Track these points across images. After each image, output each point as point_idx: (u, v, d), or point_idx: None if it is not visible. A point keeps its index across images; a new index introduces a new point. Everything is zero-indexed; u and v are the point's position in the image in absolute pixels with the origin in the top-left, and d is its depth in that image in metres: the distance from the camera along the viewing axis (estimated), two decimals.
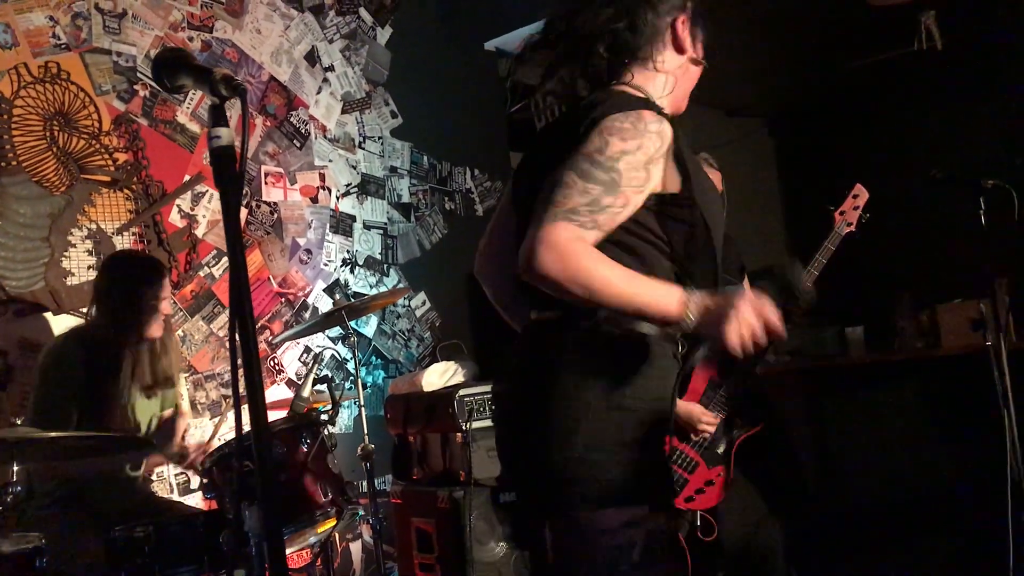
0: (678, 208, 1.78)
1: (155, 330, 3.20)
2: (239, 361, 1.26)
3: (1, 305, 3.46)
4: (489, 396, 3.69)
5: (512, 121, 5.70)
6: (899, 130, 5.75)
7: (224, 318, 4.10)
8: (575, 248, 1.60)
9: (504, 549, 3.60)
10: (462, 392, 3.63)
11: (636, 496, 1.72)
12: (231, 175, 1.30)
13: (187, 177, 4.03)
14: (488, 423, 3.66)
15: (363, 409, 3.33)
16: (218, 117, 1.36)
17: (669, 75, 1.94)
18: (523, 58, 2.08)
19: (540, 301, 1.84)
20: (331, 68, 4.61)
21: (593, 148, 1.69)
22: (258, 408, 1.25)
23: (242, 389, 1.27)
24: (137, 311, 3.12)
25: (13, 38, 3.58)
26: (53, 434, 2.54)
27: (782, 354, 3.23)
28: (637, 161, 1.68)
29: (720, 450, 3.20)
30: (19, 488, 2.52)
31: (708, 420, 3.10)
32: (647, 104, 1.80)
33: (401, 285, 4.76)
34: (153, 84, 3.95)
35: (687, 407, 3.11)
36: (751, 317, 1.58)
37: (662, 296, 1.63)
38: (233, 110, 1.59)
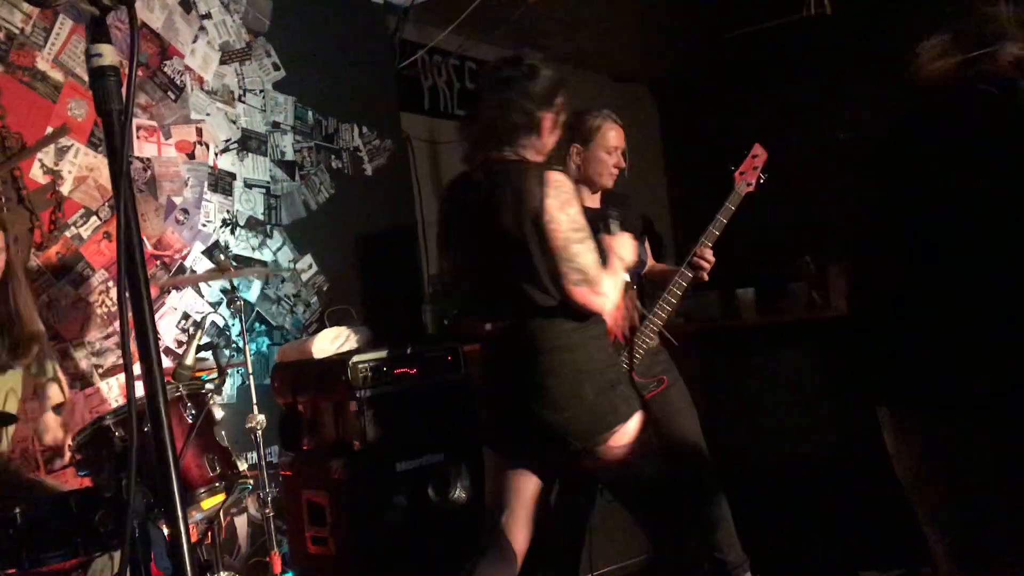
0: None
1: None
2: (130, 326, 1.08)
3: None
4: (381, 363, 3.57)
5: (400, 78, 5.51)
6: (788, 95, 5.86)
7: (94, 282, 3.80)
8: None
9: (400, 519, 3.49)
10: (356, 359, 3.48)
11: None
12: (115, 101, 1.11)
13: (50, 129, 3.70)
14: (385, 390, 3.53)
15: (252, 378, 3.14)
16: (99, 32, 1.15)
17: None
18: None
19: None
20: (208, 16, 4.31)
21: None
22: (155, 380, 1.09)
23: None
24: None
25: None
26: None
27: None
28: None
29: None
30: None
31: None
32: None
33: (286, 247, 4.53)
34: (9, 26, 3.60)
35: None
36: None
37: None
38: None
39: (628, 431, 2.50)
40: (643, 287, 3.32)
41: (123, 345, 1.04)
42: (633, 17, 5.72)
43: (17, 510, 2.41)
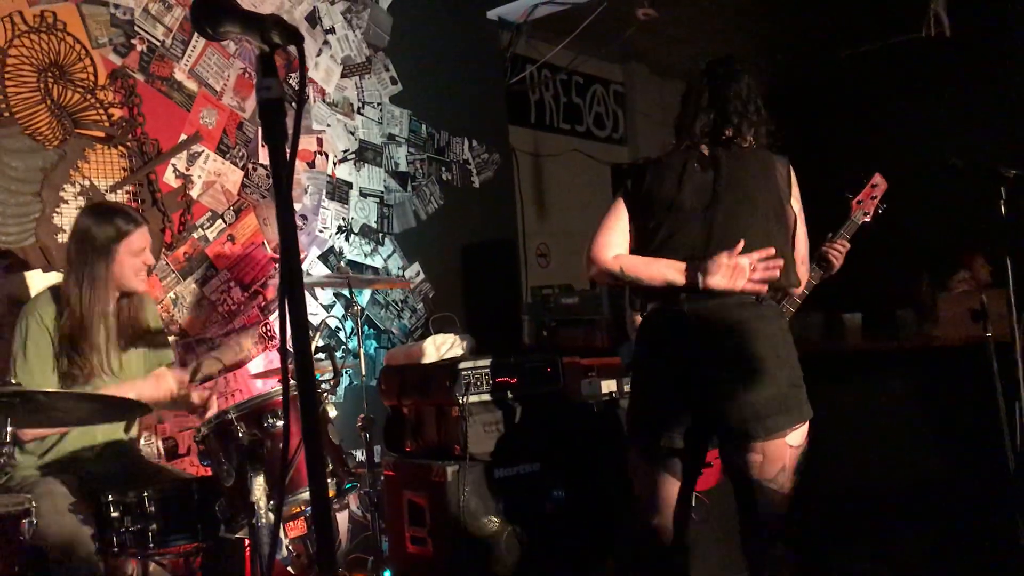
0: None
1: (136, 283, 3.02)
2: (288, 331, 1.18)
3: None
4: (485, 370, 3.65)
5: (511, 93, 5.63)
6: (902, 116, 5.73)
7: (216, 282, 4.01)
8: None
9: (496, 524, 3.57)
10: (461, 365, 3.58)
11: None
12: (283, 130, 1.22)
13: (183, 136, 3.93)
14: (486, 397, 3.61)
15: (364, 379, 3.27)
16: (267, 67, 1.26)
17: None
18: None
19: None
20: (332, 31, 4.51)
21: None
22: (310, 392, 1.18)
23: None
24: (106, 264, 2.93)
25: None
26: (49, 391, 2.46)
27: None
28: None
29: None
30: (9, 448, 2.43)
31: None
32: None
33: (396, 254, 4.68)
34: (151, 39, 3.84)
35: None
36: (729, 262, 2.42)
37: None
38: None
39: (803, 433, 2.48)
40: None
41: (282, 350, 1.14)
42: (743, 33, 5.70)
43: (146, 494, 2.58)
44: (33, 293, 3.39)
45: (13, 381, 2.43)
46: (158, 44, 3.87)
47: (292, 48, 1.26)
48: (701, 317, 2.49)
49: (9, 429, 2.41)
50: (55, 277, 3.43)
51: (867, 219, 3.14)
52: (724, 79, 2.64)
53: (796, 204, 2.66)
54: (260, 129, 4.18)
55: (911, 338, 4.56)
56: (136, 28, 3.80)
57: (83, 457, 2.95)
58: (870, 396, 4.36)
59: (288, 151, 1.21)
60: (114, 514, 2.56)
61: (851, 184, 3.14)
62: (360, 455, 3.62)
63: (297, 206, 4.31)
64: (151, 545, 2.58)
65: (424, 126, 4.91)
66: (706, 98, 2.64)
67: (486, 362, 3.66)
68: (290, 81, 4.32)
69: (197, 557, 2.82)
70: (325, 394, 2.78)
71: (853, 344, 4.77)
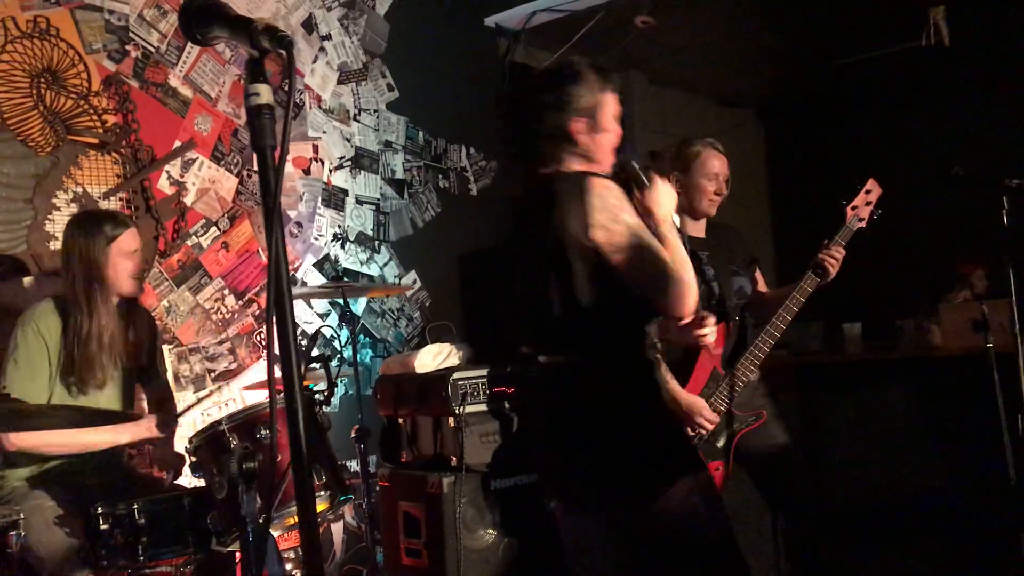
0: None
1: (130, 285, 2.99)
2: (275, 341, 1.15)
3: None
4: (481, 381, 3.62)
5: (509, 100, 5.59)
6: (903, 125, 5.71)
7: (210, 290, 3.97)
8: None
9: (493, 536, 3.53)
10: (456, 375, 3.54)
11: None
12: (271, 137, 1.19)
13: (177, 143, 3.90)
14: (482, 407, 3.58)
15: (359, 389, 3.23)
16: (257, 72, 1.23)
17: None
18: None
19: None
20: (328, 37, 4.48)
21: None
22: (295, 402, 1.15)
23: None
24: (100, 269, 2.92)
25: None
26: (35, 404, 2.43)
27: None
28: None
29: (720, 444, 3.14)
30: None
31: (707, 416, 3.04)
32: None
33: (392, 263, 4.65)
34: (146, 45, 3.81)
35: (688, 399, 3.04)
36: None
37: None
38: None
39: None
40: (745, 319, 3.27)
41: (268, 361, 1.11)
42: (741, 41, 5.67)
43: (136, 506, 2.54)
44: (25, 301, 3.35)
45: (2, 389, 2.39)
46: (153, 50, 3.84)
47: (283, 52, 1.22)
48: None
49: None
50: (49, 284, 3.39)
51: (862, 225, 3.12)
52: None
53: None
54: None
55: (911, 348, 4.54)
56: (130, 34, 3.76)
57: (73, 469, 2.91)
58: (870, 406, 4.33)
59: (276, 157, 1.18)
60: (104, 526, 2.53)
61: (846, 191, 3.12)
62: (355, 465, 3.58)
63: (292, 213, 4.28)
64: (141, 558, 2.54)
65: (421, 133, 4.88)
66: None
67: (483, 372, 3.62)
68: (284, 87, 4.29)
69: (188, 569, 2.78)
70: (320, 404, 2.74)
71: (853, 354, 4.74)
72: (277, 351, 1.18)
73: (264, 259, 4.15)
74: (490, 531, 3.53)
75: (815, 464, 3.35)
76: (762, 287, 3.42)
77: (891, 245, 3.93)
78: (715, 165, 3.21)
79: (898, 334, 4.73)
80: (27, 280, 3.42)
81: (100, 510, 2.53)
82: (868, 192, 3.15)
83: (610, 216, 2.12)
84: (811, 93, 6.40)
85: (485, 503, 3.53)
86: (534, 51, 5.70)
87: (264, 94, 1.23)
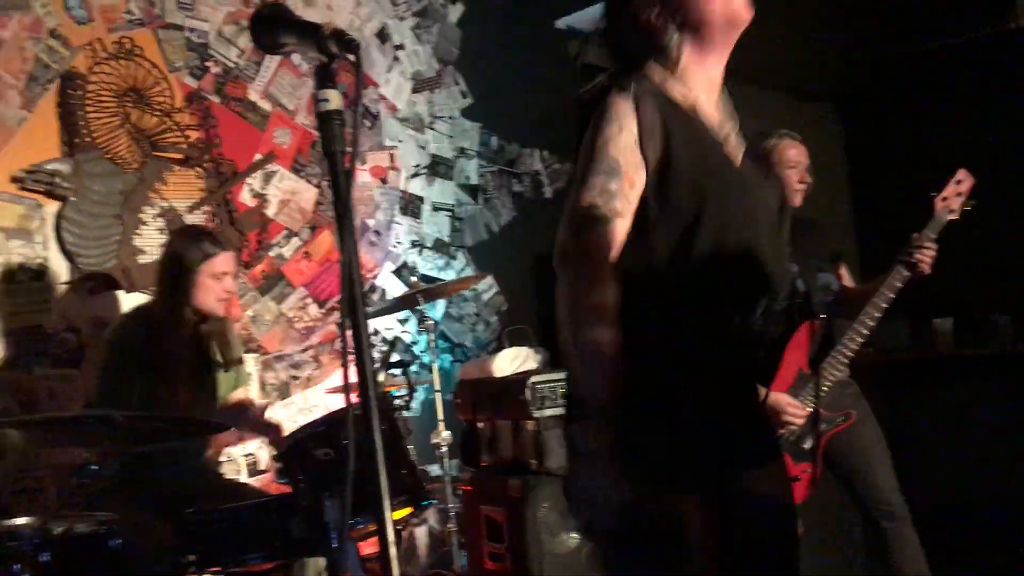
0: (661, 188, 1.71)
1: (215, 307, 3.06)
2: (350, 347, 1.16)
3: (75, 282, 3.45)
4: (560, 384, 3.60)
5: (582, 102, 5.57)
6: (988, 113, 5.49)
7: (293, 299, 4.05)
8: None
9: (576, 541, 3.50)
10: (534, 379, 3.53)
11: None
12: (341, 142, 1.20)
13: (258, 156, 3.99)
14: (561, 411, 3.56)
15: (439, 394, 3.25)
16: (325, 78, 1.24)
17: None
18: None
19: None
20: (401, 47, 4.53)
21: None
22: (369, 406, 1.15)
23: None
24: (188, 285, 2.99)
25: (88, 13, 3.55)
26: (126, 414, 2.50)
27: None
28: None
29: (806, 445, 3.06)
30: (93, 467, 2.48)
31: (795, 411, 2.95)
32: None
33: (468, 268, 4.67)
34: (225, 61, 3.91)
35: (775, 397, 2.97)
36: None
37: None
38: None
39: None
40: (831, 316, 3.18)
41: (343, 367, 1.12)
42: (816, 31, 5.54)
43: (224, 511, 2.60)
44: (117, 315, 3.47)
45: (92, 403, 2.47)
46: (232, 66, 3.94)
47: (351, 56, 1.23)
48: None
49: (89, 448, 2.47)
50: (137, 298, 3.51)
51: (953, 217, 2.99)
52: None
53: None
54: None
55: (1008, 344, 4.34)
56: (210, 51, 3.87)
57: (163, 474, 3.00)
58: (962, 405, 4.17)
59: (347, 163, 1.19)
60: (194, 531, 2.58)
61: (933, 183, 3.00)
62: (436, 470, 3.60)
63: (371, 222, 4.33)
64: (230, 562, 2.59)
65: (494, 138, 4.89)
66: None
67: (561, 376, 3.60)
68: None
69: (278, 574, 2.83)
70: (400, 409, 2.77)
71: (944, 350, 4.57)
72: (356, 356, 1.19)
73: None
74: (573, 535, 3.50)
75: (904, 466, 3.23)
76: (848, 282, 3.33)
77: (984, 236, 3.77)
78: (794, 154, 3.15)
79: (993, 329, 4.54)
80: (117, 294, 3.53)
81: (190, 515, 2.58)
82: (959, 182, 3.03)
83: None
84: (893, 83, 6.21)
85: (567, 507, 3.51)
86: (606, 52, 5.67)
87: (333, 99, 1.24)
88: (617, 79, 1.80)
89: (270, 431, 3.22)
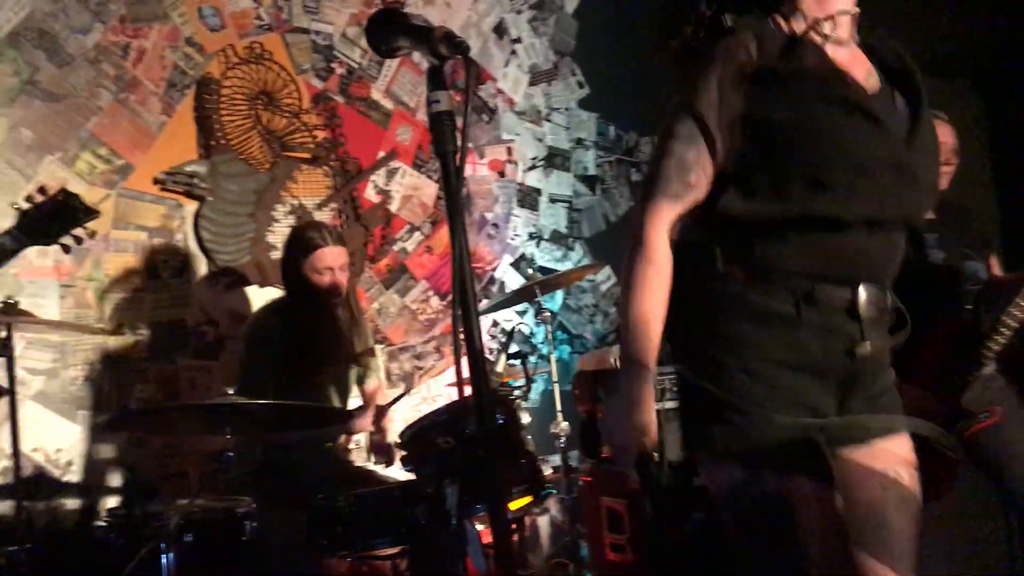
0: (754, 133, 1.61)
1: (320, 298, 3.15)
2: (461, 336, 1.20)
3: (212, 278, 3.64)
4: (674, 375, 3.55)
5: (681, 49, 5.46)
6: None
7: (416, 292, 4.15)
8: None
9: (699, 532, 3.46)
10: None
11: None
12: (451, 143, 1.24)
13: (381, 154, 4.10)
14: (677, 404, 3.52)
15: (557, 385, 3.27)
16: (437, 80, 1.29)
17: None
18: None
19: None
20: (518, 40, 4.56)
21: None
22: (482, 396, 1.19)
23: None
24: (303, 280, 3.11)
25: (221, 21, 3.73)
26: (263, 403, 2.62)
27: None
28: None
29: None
30: (231, 454, 2.61)
31: None
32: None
33: (586, 259, 4.67)
34: (349, 61, 4.03)
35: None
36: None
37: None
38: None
39: None
40: (979, 306, 3.00)
41: (456, 361, 1.16)
42: (951, 4, 5.28)
43: (352, 497, 2.69)
44: (251, 309, 3.65)
45: (231, 392, 2.61)
46: (355, 66, 4.06)
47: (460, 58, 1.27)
48: None
49: (229, 436, 2.60)
50: (271, 292, 3.67)
51: None
52: None
53: None
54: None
55: None
56: (335, 52, 4.00)
57: (293, 461, 3.13)
58: None
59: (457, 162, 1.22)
60: (324, 516, 2.68)
61: None
62: (556, 460, 3.62)
63: (489, 215, 4.39)
64: (358, 547, 2.69)
65: (612, 128, 4.87)
66: None
67: (676, 368, 3.56)
68: (478, 93, 4.41)
69: (403, 560, 2.91)
70: (517, 400, 2.80)
71: None
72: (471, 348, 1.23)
73: None
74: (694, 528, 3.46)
75: None
76: (996, 271, 3.14)
77: None
78: (939, 134, 2.99)
79: None
80: (251, 288, 3.71)
81: (320, 501, 2.69)
82: None
83: None
84: None
85: (688, 499, 3.47)
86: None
87: (444, 101, 1.28)
88: (721, 21, 1.70)
89: (380, 443, 3.33)
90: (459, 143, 1.25)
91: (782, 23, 1.70)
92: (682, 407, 1.78)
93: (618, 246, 4.74)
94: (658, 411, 3.48)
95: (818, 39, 1.67)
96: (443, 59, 1.30)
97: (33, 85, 3.35)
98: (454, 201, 1.20)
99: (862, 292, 1.63)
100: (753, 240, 1.64)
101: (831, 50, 1.68)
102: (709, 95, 1.61)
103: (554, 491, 2.97)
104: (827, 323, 1.64)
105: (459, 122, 1.26)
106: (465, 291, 1.17)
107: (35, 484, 3.22)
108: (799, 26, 1.68)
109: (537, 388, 4.29)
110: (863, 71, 1.74)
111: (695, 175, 1.63)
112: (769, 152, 1.61)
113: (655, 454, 1.68)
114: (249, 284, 3.71)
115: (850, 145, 1.61)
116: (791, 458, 1.60)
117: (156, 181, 3.55)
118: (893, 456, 1.73)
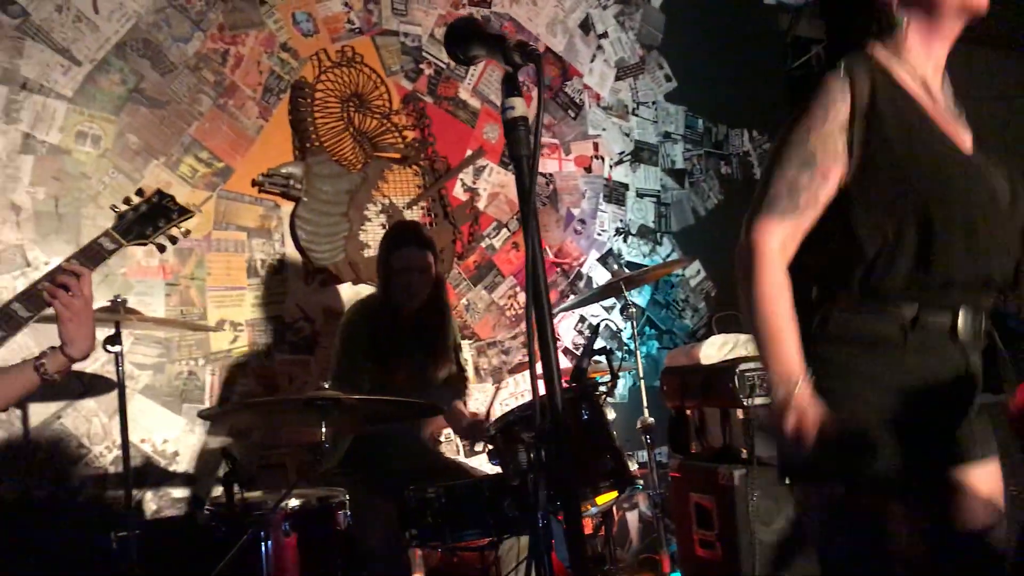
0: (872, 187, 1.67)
1: (401, 300, 3.22)
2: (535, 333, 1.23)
3: (308, 276, 3.76)
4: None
5: (792, 79, 5.37)
6: None
7: (503, 288, 4.20)
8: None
9: (789, 531, 3.42)
10: (744, 367, 3.47)
11: None
12: (524, 147, 1.27)
13: (469, 152, 4.16)
14: (769, 400, 3.48)
15: (642, 381, 3.27)
16: (512, 86, 1.33)
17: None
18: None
19: None
20: (604, 35, 4.56)
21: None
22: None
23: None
24: (391, 278, 3.19)
25: (314, 26, 3.84)
26: (357, 396, 2.70)
27: None
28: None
29: None
30: (327, 446, 2.70)
31: None
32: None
33: (675, 254, 4.65)
34: (437, 62, 4.10)
35: None
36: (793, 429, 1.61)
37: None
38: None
39: None
40: None
41: (530, 356, 1.19)
42: None
43: (442, 489, 2.76)
44: (344, 305, 3.76)
45: (326, 386, 2.69)
46: (444, 67, 4.13)
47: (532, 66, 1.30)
48: None
49: (324, 428, 2.69)
50: (365, 290, 3.78)
51: None
52: None
53: None
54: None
55: None
56: (423, 53, 4.07)
57: (384, 453, 3.22)
58: None
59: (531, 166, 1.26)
60: (415, 507, 2.75)
61: None
62: (643, 456, 3.63)
63: (576, 211, 4.41)
64: (448, 538, 2.75)
65: (700, 121, 4.83)
66: None
67: None
68: (565, 89, 4.43)
69: (491, 552, 2.96)
70: (603, 396, 2.82)
71: None
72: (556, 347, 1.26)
73: (551, 256, 4.32)
74: (786, 525, 3.42)
75: None
76: None
77: None
78: None
79: None
80: (344, 286, 3.82)
81: (411, 493, 2.76)
82: None
83: None
84: None
85: (780, 496, 3.43)
86: (819, 22, 5.43)
87: (518, 107, 1.32)
88: (832, 57, 1.77)
89: (474, 431, 3.37)
90: (532, 147, 1.28)
91: (882, 58, 1.74)
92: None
93: (708, 240, 4.72)
94: (746, 407, 3.46)
95: (923, 94, 1.74)
96: (517, 67, 1.34)
97: (139, 93, 3.51)
98: (528, 204, 1.23)
99: (962, 315, 1.67)
100: (861, 268, 1.68)
101: (930, 93, 1.75)
102: (825, 126, 1.67)
103: (641, 486, 2.97)
104: (931, 345, 1.67)
105: (534, 124, 1.29)
106: (539, 291, 1.20)
107: (143, 473, 3.39)
108: (904, 69, 1.74)
109: (627, 383, 4.29)
110: (958, 128, 1.79)
111: (804, 198, 1.67)
112: (880, 188, 1.66)
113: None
114: (342, 282, 3.82)
115: (962, 196, 1.66)
116: (892, 481, 1.62)
117: (254, 183, 3.69)
118: (992, 476, 1.75)
